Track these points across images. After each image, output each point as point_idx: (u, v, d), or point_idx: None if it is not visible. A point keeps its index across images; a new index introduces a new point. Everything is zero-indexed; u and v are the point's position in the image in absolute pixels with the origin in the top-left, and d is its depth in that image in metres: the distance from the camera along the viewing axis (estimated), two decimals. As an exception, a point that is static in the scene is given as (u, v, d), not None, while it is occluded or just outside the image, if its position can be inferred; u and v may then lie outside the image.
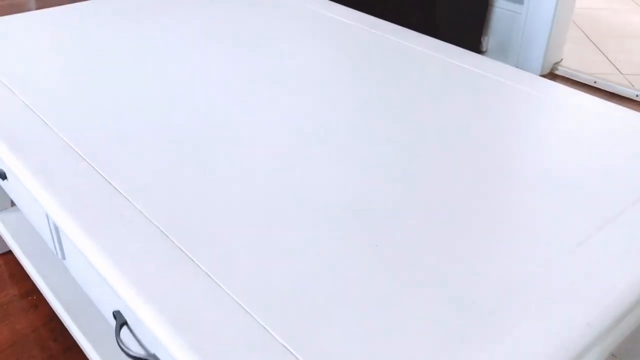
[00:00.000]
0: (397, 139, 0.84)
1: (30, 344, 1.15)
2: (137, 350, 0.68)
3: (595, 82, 2.21)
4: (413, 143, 0.83)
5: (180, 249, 0.64)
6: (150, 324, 0.58)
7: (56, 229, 0.82)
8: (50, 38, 1.15)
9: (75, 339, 1.06)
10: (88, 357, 1.01)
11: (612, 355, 1.02)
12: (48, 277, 1.15)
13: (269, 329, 0.55)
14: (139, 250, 0.64)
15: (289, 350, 0.53)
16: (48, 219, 0.82)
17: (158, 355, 0.65)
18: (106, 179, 0.74)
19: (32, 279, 1.21)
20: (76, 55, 1.07)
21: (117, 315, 0.70)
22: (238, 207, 0.70)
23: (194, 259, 0.63)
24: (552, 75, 2.29)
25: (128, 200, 0.71)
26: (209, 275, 0.61)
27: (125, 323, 0.70)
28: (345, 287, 0.60)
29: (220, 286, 0.60)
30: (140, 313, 0.59)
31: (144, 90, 0.95)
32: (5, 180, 0.95)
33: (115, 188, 0.73)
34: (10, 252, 1.37)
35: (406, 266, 0.62)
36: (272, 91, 0.96)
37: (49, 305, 1.24)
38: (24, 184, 0.77)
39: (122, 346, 0.67)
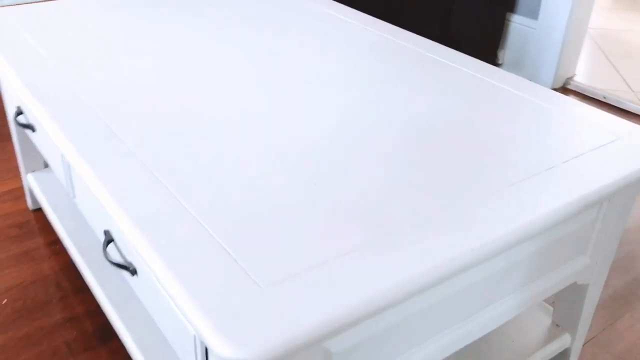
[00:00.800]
0: (379, 117, 0.98)
1: (48, 283, 1.33)
2: (119, 260, 0.83)
3: (604, 97, 2.29)
4: (385, 117, 0.97)
5: (157, 177, 0.79)
6: (128, 232, 0.72)
7: (69, 169, 0.99)
8: (81, 20, 1.33)
9: (86, 281, 1.23)
10: (94, 294, 1.17)
11: (556, 325, 1.12)
12: (69, 229, 1.32)
13: (215, 236, 0.69)
14: (125, 178, 0.79)
15: (233, 257, 0.67)
16: (62, 160, 0.99)
17: (133, 263, 0.80)
18: (108, 126, 0.90)
19: (56, 231, 1.38)
20: (101, 35, 1.25)
21: (106, 233, 0.86)
22: (204, 146, 0.85)
23: (166, 185, 0.77)
24: (563, 89, 2.38)
25: (122, 141, 0.87)
26: (175, 198, 0.76)
27: (111, 240, 0.85)
28: (280, 208, 0.73)
29: (183, 205, 0.74)
30: (121, 224, 0.74)
31: (153, 64, 1.12)
32: (35, 133, 1.13)
33: (113, 131, 0.89)
34: (41, 209, 1.56)
35: (335, 199, 0.75)
36: (268, 74, 1.11)
37: (68, 254, 1.41)
38: (45, 130, 0.94)
39: (107, 257, 0.82)
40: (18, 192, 1.62)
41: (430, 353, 0.81)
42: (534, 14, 2.33)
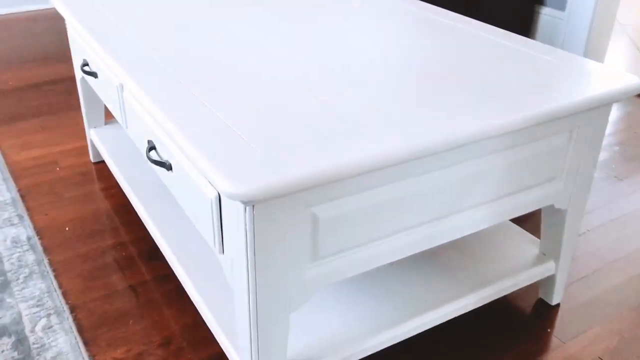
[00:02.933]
0: (385, 61, 1.14)
1: (103, 217, 1.54)
2: (158, 159, 1.02)
3: (630, 84, 2.36)
4: (391, 61, 1.13)
5: (191, 92, 0.98)
6: (170, 131, 0.91)
7: (123, 102, 1.19)
8: (142, -6, 1.55)
9: (138, 213, 1.43)
10: (144, 221, 1.37)
11: (542, 254, 1.25)
12: (126, 175, 1.53)
13: (230, 125, 0.87)
14: (164, 91, 0.98)
15: (242, 137, 0.84)
16: (118, 95, 1.19)
17: (169, 160, 0.99)
18: (151, 57, 1.10)
19: (115, 177, 1.60)
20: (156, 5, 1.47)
21: (149, 142, 1.05)
22: (226, 70, 1.03)
23: (197, 96, 0.96)
24: (591, 78, 2.47)
25: (159, 66, 1.06)
26: (204, 104, 0.94)
27: (153, 147, 1.05)
28: (281, 109, 0.91)
29: (208, 107, 0.92)
30: (165, 126, 0.92)
31: (195, 23, 1.32)
32: (97, 79, 1.35)
33: (153, 60, 1.08)
34: (102, 162, 1.78)
35: (327, 105, 0.92)
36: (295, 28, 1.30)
37: (122, 197, 1.62)
38: (104, 60, 1.15)
39: (150, 158, 1.01)
40: (83, 150, 1.85)
41: (406, 243, 0.95)
42: (561, 5, 2.44)
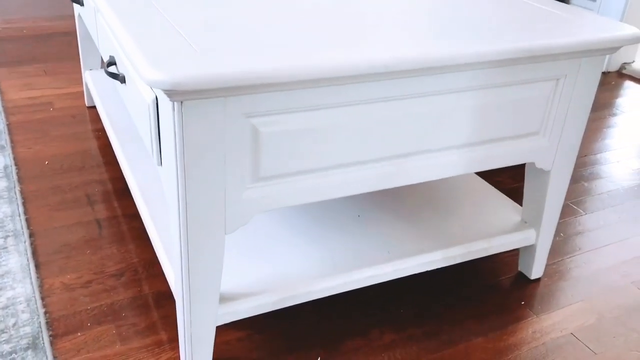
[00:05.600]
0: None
1: (86, 155, 1.52)
2: (114, 72, 0.98)
3: (659, 82, 2.24)
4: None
5: (156, 8, 0.93)
6: (114, 28, 0.86)
7: (97, 23, 1.16)
8: None
9: (116, 154, 1.40)
10: (119, 161, 1.34)
11: (524, 222, 1.16)
12: (110, 115, 1.51)
13: (181, 32, 0.82)
14: (132, 12, 0.94)
15: (186, 39, 0.80)
16: (94, 13, 1.16)
17: (124, 73, 0.95)
18: (128, -23, 1.07)
19: (100, 115, 1.58)
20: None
21: (110, 57, 1.01)
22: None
23: (158, 9, 0.92)
24: (618, 74, 2.35)
25: (134, -17, 1.02)
26: (168, 20, 0.90)
27: (113, 63, 1.01)
28: (251, 30, 0.86)
29: (165, 18, 0.88)
30: (122, 41, 0.88)
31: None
32: (83, 7, 1.32)
33: (130, -21, 1.05)
34: (94, 107, 1.77)
35: (299, 23, 0.87)
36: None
37: (107, 139, 1.60)
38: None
39: (107, 71, 0.97)
40: (79, 94, 1.84)
41: (360, 179, 0.89)
42: (592, -5, 2.34)
